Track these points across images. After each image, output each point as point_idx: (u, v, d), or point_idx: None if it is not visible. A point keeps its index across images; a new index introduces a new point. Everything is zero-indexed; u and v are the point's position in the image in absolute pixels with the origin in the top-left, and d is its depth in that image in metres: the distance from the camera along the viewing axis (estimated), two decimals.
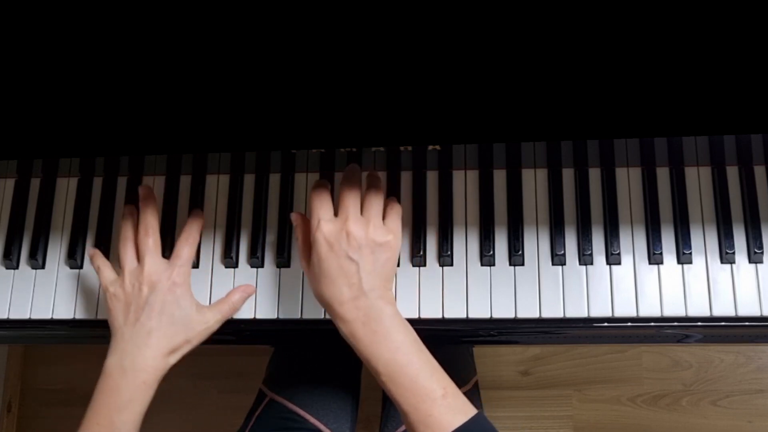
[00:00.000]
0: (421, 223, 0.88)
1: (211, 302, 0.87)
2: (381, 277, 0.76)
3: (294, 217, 0.84)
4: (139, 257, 0.82)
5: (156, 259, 0.81)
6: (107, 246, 0.90)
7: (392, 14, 0.70)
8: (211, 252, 0.89)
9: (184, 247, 0.83)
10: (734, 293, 0.83)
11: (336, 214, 0.79)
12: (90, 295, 0.89)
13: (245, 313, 0.87)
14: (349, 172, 0.82)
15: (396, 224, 0.80)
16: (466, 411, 0.72)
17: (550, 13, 0.69)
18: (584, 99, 0.69)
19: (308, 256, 0.80)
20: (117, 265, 0.84)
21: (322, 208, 0.78)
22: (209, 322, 0.82)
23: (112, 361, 0.79)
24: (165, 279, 0.80)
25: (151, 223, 0.83)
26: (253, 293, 0.86)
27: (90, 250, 0.87)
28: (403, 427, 1.01)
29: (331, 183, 0.90)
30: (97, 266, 0.85)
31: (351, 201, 0.78)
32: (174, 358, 0.80)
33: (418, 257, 0.86)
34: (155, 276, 0.80)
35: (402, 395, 0.72)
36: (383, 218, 0.80)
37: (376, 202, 0.79)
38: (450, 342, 0.98)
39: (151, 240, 0.82)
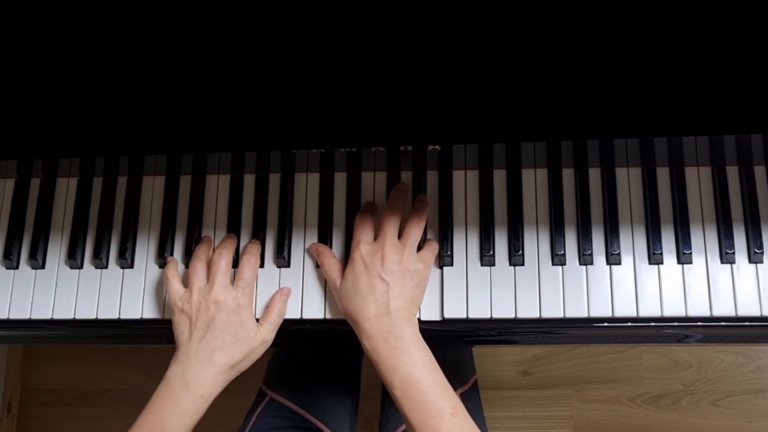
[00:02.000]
0: None
1: None
2: (408, 301, 0.80)
3: (313, 248, 0.87)
4: (209, 276, 0.84)
5: (225, 280, 0.84)
6: (107, 246, 0.90)
7: (392, 14, 0.70)
8: (211, 252, 0.89)
9: (247, 270, 0.85)
10: (734, 293, 0.83)
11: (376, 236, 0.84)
12: (90, 295, 0.89)
13: None
14: (394, 195, 0.86)
15: (429, 257, 0.84)
16: None
17: (550, 13, 0.69)
18: (584, 99, 0.69)
19: (339, 275, 0.83)
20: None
21: (364, 231, 0.84)
22: (266, 336, 0.84)
23: (176, 372, 0.81)
24: (231, 300, 0.82)
25: (228, 247, 0.86)
26: (290, 294, 0.87)
27: (169, 258, 0.89)
28: (402, 427, 1.01)
29: (331, 183, 0.90)
30: (166, 276, 0.86)
31: (390, 227, 0.83)
32: (233, 374, 0.83)
33: None
34: (222, 296, 0.82)
35: (413, 409, 0.76)
36: (420, 248, 0.84)
37: (415, 231, 0.84)
38: (450, 342, 0.97)
39: (224, 262, 0.84)
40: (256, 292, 0.88)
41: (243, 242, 0.90)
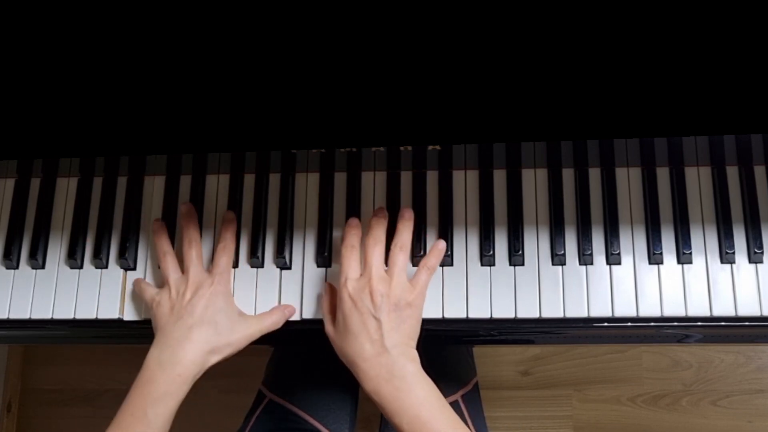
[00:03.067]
0: (421, 223, 0.87)
1: None
2: (403, 334, 0.77)
3: (326, 287, 0.86)
4: (183, 268, 0.85)
5: (199, 268, 0.85)
6: (107, 246, 0.90)
7: (392, 14, 0.70)
8: (212, 252, 0.89)
9: (222, 257, 0.86)
10: (734, 293, 0.83)
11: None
12: (90, 295, 0.89)
13: (246, 313, 0.87)
14: (374, 223, 0.83)
15: (422, 281, 0.81)
16: None
17: (550, 13, 0.69)
18: (584, 99, 0.69)
19: (332, 318, 0.82)
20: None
21: (350, 267, 0.80)
22: (251, 329, 0.84)
23: (152, 355, 0.81)
24: (206, 285, 0.83)
25: (194, 236, 0.87)
26: (293, 314, 0.87)
27: (134, 282, 0.89)
28: None
29: (331, 183, 0.90)
30: (140, 289, 0.87)
31: (374, 258, 0.80)
32: (214, 359, 0.82)
33: (418, 257, 0.86)
34: (197, 282, 0.83)
35: None
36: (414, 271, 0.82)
37: (400, 257, 0.80)
38: (450, 342, 0.97)
39: (194, 252, 0.85)
40: (256, 292, 0.88)
41: (243, 242, 0.90)
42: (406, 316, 0.78)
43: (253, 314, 0.87)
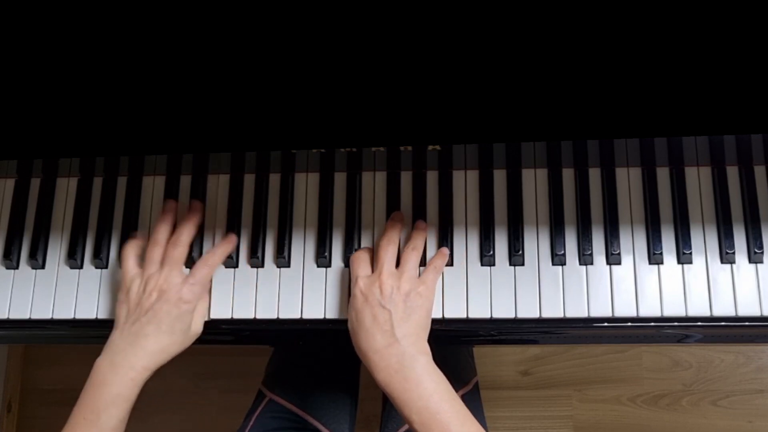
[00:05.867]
0: None
1: (211, 302, 0.87)
2: (413, 325, 0.78)
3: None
4: (162, 263, 0.84)
5: (176, 271, 0.83)
6: (107, 246, 0.90)
7: (392, 14, 0.70)
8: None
9: (203, 269, 0.84)
10: (734, 293, 0.83)
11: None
12: (90, 295, 0.89)
13: (245, 313, 0.87)
14: (389, 225, 0.85)
15: (431, 276, 0.82)
16: None
17: (550, 13, 0.69)
18: (584, 99, 0.69)
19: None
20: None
21: (360, 267, 0.83)
22: (198, 326, 0.84)
23: (104, 358, 0.80)
24: (175, 292, 0.82)
25: (184, 237, 0.85)
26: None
27: (132, 235, 0.88)
28: (404, 428, 1.01)
29: (331, 183, 0.90)
30: (125, 252, 0.86)
31: (387, 257, 0.82)
32: (163, 361, 0.82)
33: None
34: (166, 286, 0.82)
35: None
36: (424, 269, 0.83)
37: (413, 256, 0.82)
38: (450, 342, 0.98)
39: (178, 252, 0.84)
40: (256, 292, 0.88)
41: (243, 242, 0.90)
42: (416, 307, 0.79)
43: (253, 315, 0.87)
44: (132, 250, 0.86)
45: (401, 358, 0.76)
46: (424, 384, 0.75)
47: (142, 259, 0.86)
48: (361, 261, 0.83)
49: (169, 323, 0.81)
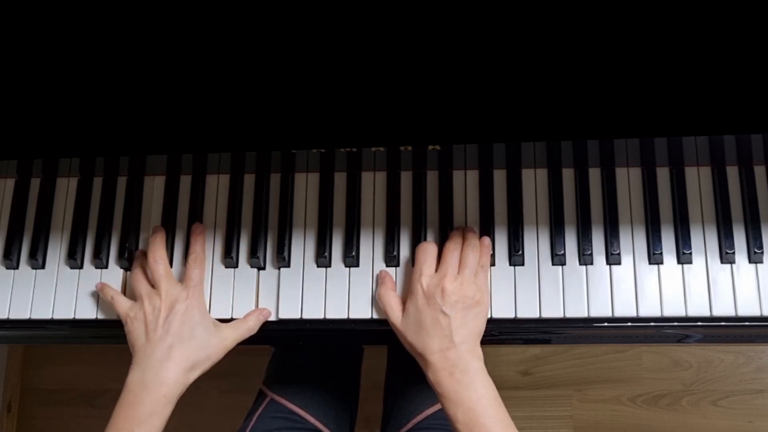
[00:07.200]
0: (420, 223, 0.87)
1: (211, 302, 0.88)
2: (470, 331, 0.81)
3: (381, 276, 0.87)
4: (153, 284, 0.85)
5: (170, 282, 0.84)
6: (107, 246, 0.90)
7: (392, 14, 0.70)
8: (211, 252, 0.89)
9: (194, 269, 0.85)
10: (734, 293, 0.83)
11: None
12: (90, 295, 0.89)
13: (245, 313, 0.87)
14: (455, 232, 0.86)
15: (485, 282, 0.84)
16: None
17: (550, 13, 0.69)
18: (584, 99, 0.69)
19: (400, 310, 0.83)
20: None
21: (426, 262, 0.83)
22: (227, 339, 0.84)
23: (134, 377, 0.80)
24: (182, 300, 0.83)
25: (159, 252, 0.86)
26: (269, 317, 0.87)
27: (97, 285, 0.89)
28: (405, 427, 1.01)
29: (331, 183, 0.90)
30: (110, 297, 0.86)
31: (451, 261, 0.83)
32: (194, 375, 0.82)
33: None
34: (172, 297, 0.83)
35: None
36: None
37: (471, 260, 0.83)
38: None
39: (162, 267, 0.85)
40: (257, 292, 0.88)
41: (243, 242, 0.90)
42: (474, 314, 0.81)
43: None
44: (110, 289, 0.87)
45: (457, 361, 0.78)
46: (474, 387, 0.78)
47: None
48: (428, 255, 0.84)
49: (189, 329, 0.82)
